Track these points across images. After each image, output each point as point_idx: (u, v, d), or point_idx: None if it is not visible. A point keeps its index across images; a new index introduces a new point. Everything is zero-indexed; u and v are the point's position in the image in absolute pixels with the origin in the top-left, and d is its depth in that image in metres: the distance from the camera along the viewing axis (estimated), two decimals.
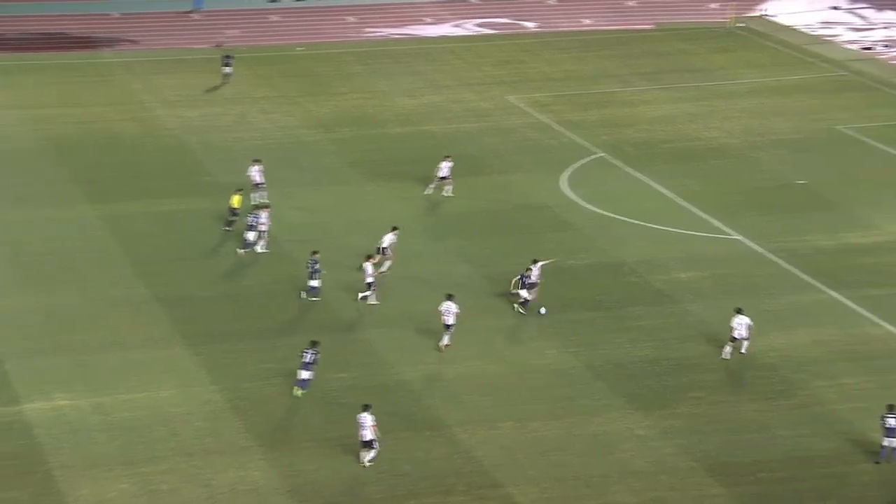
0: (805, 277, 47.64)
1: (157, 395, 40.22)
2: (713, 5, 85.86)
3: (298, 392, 40.15)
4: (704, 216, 53.30)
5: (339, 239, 50.47)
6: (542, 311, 44.92)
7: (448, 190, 54.41)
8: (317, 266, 45.76)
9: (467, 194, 55.76)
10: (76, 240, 50.40)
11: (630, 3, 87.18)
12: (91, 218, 52.28)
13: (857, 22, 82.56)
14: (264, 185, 53.53)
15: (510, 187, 56.36)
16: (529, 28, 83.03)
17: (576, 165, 59.05)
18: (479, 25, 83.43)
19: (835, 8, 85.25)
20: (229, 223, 50.55)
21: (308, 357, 40.31)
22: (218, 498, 35.83)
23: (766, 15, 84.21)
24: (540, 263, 45.79)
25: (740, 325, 42.34)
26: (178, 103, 66.28)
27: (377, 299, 45.74)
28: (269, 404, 40.04)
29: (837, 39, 79.14)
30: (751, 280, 47.69)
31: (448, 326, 42.95)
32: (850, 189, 55.63)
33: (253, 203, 52.31)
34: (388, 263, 47.78)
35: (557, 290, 46.91)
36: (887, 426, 37.04)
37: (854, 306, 45.59)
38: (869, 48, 77.19)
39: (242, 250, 48.83)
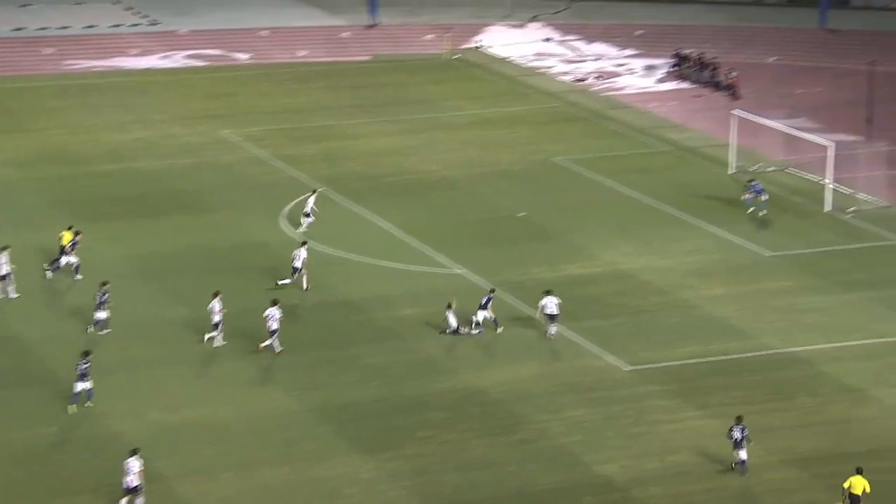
0: (528, 310, 48.37)
1: None
2: (429, 37, 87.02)
3: (73, 408, 40.25)
4: (428, 251, 53.67)
5: (45, 282, 48.78)
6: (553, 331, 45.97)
7: (307, 223, 54.11)
8: (105, 297, 45.14)
9: (182, 233, 54.75)
10: None
11: (345, 35, 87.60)
12: None
13: (569, 54, 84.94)
14: None
15: (227, 225, 55.59)
16: (242, 60, 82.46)
17: (295, 201, 58.70)
18: (189, 57, 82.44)
19: (547, 40, 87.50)
20: (55, 261, 49.59)
21: (82, 368, 40.30)
22: None
23: (482, 46, 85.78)
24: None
25: (551, 302, 45.47)
26: None
27: (223, 340, 44.95)
28: None
29: (551, 71, 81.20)
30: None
31: (273, 332, 44.07)
32: (569, 220, 56.95)
33: None
34: (304, 279, 48.44)
35: (282, 331, 46.38)
36: (734, 439, 37.97)
37: (577, 338, 46.53)
38: (581, 80, 79.46)
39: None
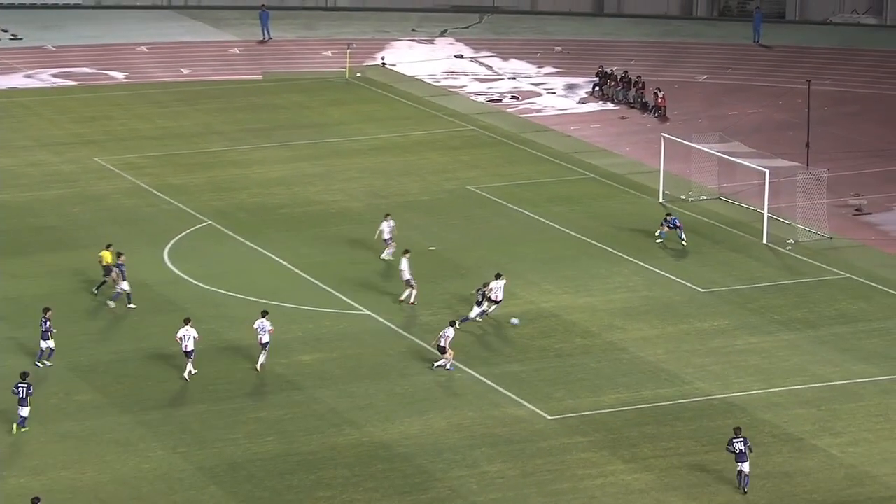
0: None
1: None
2: (328, 53, 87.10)
3: (16, 429, 42.04)
4: (329, 290, 53.53)
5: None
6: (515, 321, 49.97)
7: (388, 253, 55.40)
8: (48, 324, 46.87)
9: (50, 274, 54.16)
10: None
11: (235, 51, 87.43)
12: None
13: (483, 72, 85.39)
14: None
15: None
16: (118, 79, 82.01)
17: (180, 236, 58.35)
18: (58, 76, 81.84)
19: (459, 56, 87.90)
20: (101, 284, 51.65)
21: (22, 392, 42.42)
22: None
23: (387, 64, 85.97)
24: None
25: (499, 288, 50.13)
26: None
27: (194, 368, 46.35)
28: None
29: (464, 91, 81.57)
30: (383, 359, 48.15)
31: (264, 345, 46.47)
32: (484, 255, 57.08)
33: None
34: (414, 293, 51.72)
35: (161, 383, 45.97)
36: (737, 451, 40.49)
37: (493, 385, 46.61)
38: (497, 100, 79.89)
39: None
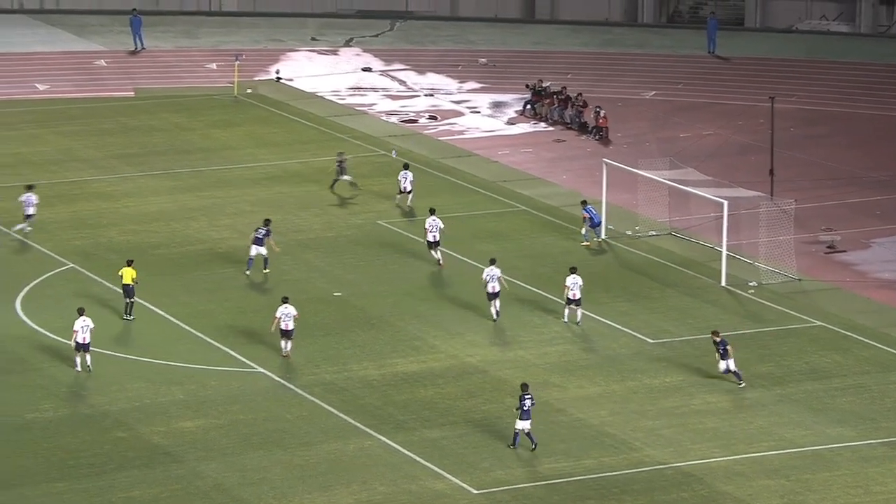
0: (347, 419, 48.30)
1: None
2: (212, 65, 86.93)
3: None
4: (215, 343, 53.32)
5: None
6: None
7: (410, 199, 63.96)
8: (262, 232, 57.85)
9: None
10: None
11: (101, 63, 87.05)
12: None
13: (396, 88, 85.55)
14: None
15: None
16: None
17: (35, 282, 57.92)
18: None
19: (367, 70, 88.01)
20: (129, 306, 54.65)
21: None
22: None
23: (282, 79, 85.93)
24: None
25: (493, 276, 54.96)
26: None
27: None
28: None
29: (373, 110, 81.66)
30: (279, 425, 47.95)
31: (288, 332, 51.40)
32: (399, 301, 57.05)
33: None
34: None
35: (12, 457, 45.45)
36: (524, 408, 45.66)
37: (409, 454, 46.56)
38: (413, 120, 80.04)
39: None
